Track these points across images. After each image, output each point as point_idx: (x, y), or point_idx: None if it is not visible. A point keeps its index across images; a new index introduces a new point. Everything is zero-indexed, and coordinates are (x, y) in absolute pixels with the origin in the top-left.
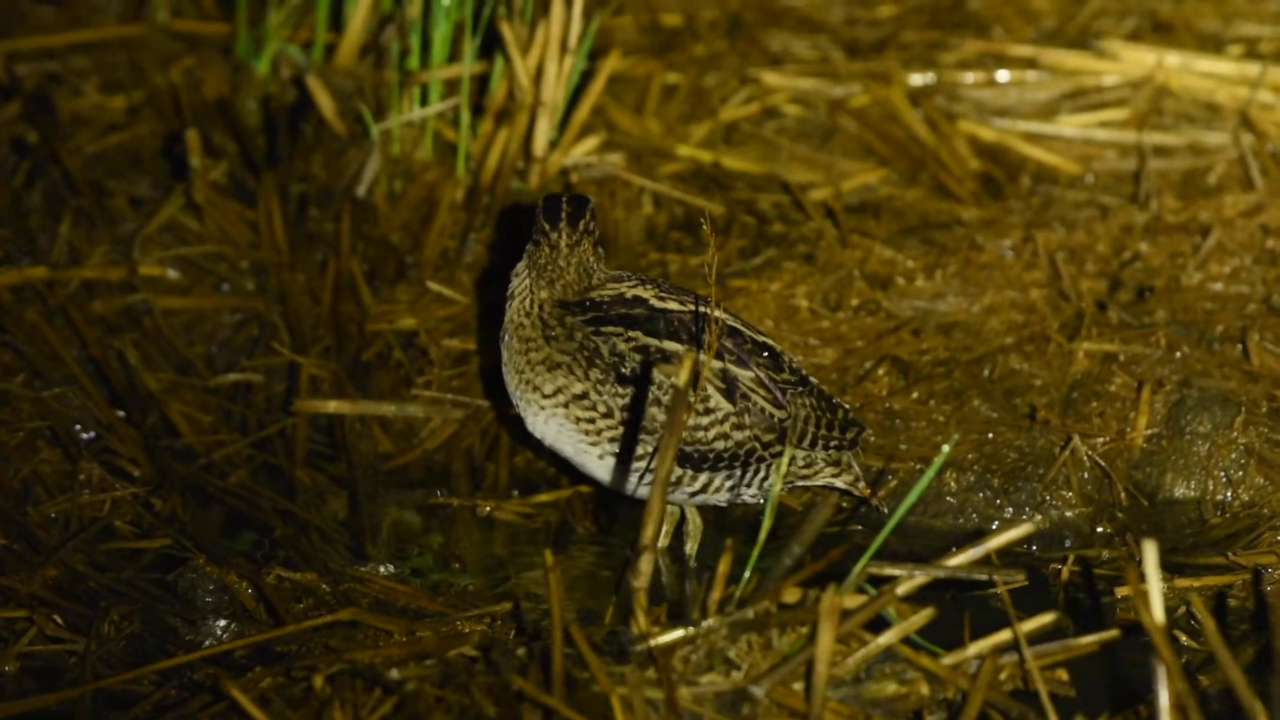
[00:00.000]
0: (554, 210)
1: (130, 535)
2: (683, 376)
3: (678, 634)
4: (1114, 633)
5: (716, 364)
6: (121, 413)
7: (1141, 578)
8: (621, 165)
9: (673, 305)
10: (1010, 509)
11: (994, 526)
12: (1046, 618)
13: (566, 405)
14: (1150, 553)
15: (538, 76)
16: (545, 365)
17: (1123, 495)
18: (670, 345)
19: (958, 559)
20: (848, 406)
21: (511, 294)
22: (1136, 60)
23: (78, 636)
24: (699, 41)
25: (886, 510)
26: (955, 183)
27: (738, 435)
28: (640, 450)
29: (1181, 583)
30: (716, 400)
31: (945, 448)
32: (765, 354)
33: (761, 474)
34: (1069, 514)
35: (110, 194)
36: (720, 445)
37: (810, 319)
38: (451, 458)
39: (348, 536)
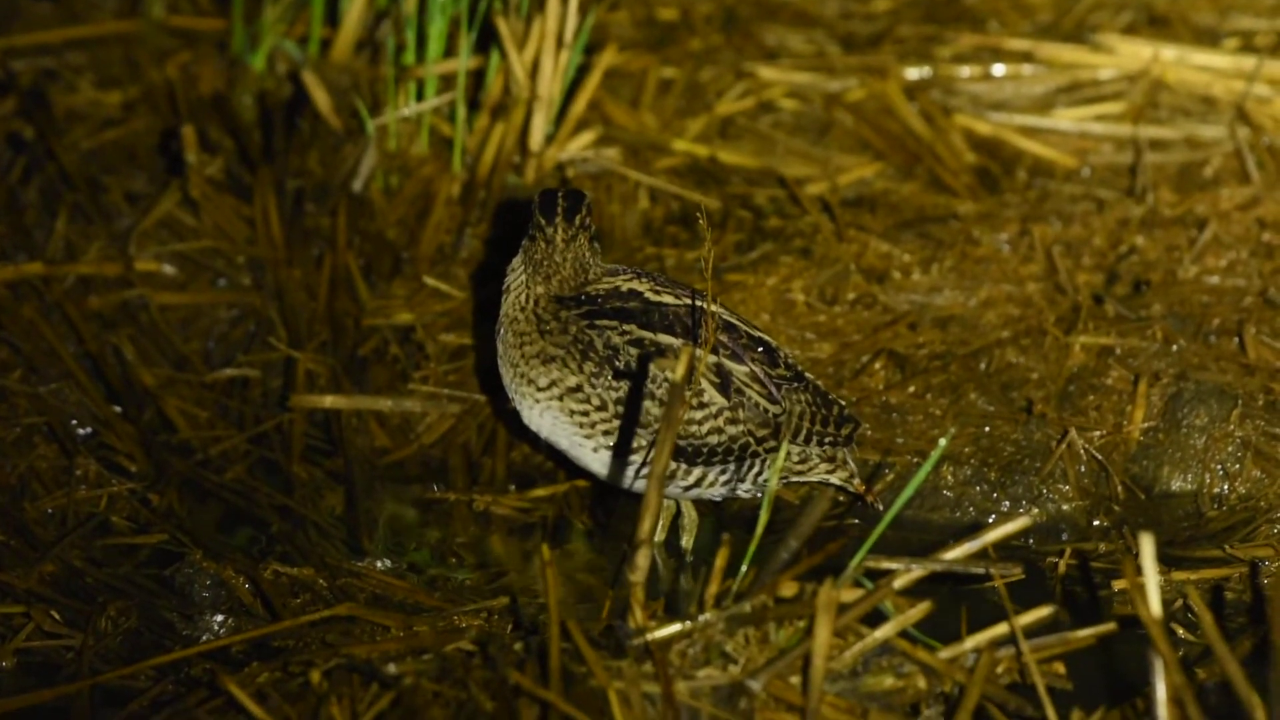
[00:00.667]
0: (550, 205)
1: (127, 530)
2: (679, 371)
3: (675, 628)
4: (1111, 626)
5: (711, 358)
6: (118, 408)
7: (1138, 571)
8: (617, 160)
9: (668, 299)
10: (1007, 502)
11: (991, 520)
12: (1043, 611)
13: (561, 398)
14: (1147, 546)
15: (534, 71)
16: (540, 359)
17: (1119, 488)
18: (665, 339)
19: (955, 553)
20: (844, 403)
21: (507, 288)
22: (1132, 54)
23: (75, 632)
24: (695, 36)
25: (881, 507)
26: (951, 176)
27: (732, 430)
28: (635, 444)
29: (1178, 576)
30: (711, 394)
31: (942, 441)
32: (760, 349)
33: (756, 469)
34: (1066, 507)
35: (106, 189)
36: (714, 440)
37: (807, 313)
38: (448, 452)
39: (344, 531)
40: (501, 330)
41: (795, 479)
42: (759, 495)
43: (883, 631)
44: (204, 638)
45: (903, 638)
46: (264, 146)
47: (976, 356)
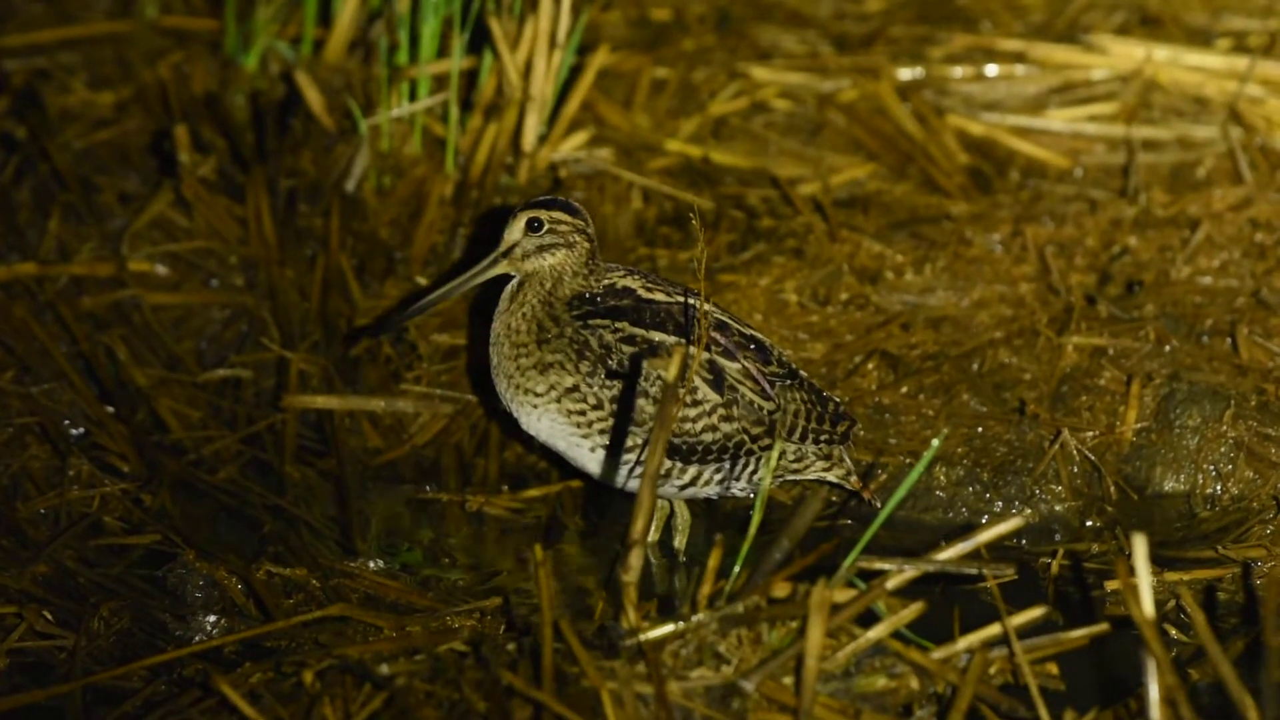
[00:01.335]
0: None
1: (120, 531)
2: (672, 370)
3: (668, 629)
4: (1104, 626)
5: (704, 355)
6: (111, 408)
7: (1131, 571)
8: (610, 160)
9: (659, 296)
10: (1000, 503)
11: (983, 520)
12: (1036, 612)
13: (559, 400)
14: (1139, 546)
15: (527, 71)
16: (537, 369)
17: (1112, 489)
18: (657, 335)
19: (947, 553)
20: (839, 400)
21: (501, 301)
22: (1125, 54)
23: (67, 632)
24: (688, 36)
25: (879, 504)
26: (944, 177)
27: (726, 427)
28: (630, 442)
29: (1171, 576)
30: (705, 391)
31: (935, 442)
32: (753, 346)
33: (750, 467)
34: (1058, 508)
35: (99, 190)
36: (708, 437)
37: (799, 313)
38: (441, 453)
39: (337, 532)
40: (498, 338)
41: (792, 477)
42: (753, 494)
43: (876, 632)
44: (197, 638)
45: (896, 638)
46: (257, 147)
47: (969, 357)
